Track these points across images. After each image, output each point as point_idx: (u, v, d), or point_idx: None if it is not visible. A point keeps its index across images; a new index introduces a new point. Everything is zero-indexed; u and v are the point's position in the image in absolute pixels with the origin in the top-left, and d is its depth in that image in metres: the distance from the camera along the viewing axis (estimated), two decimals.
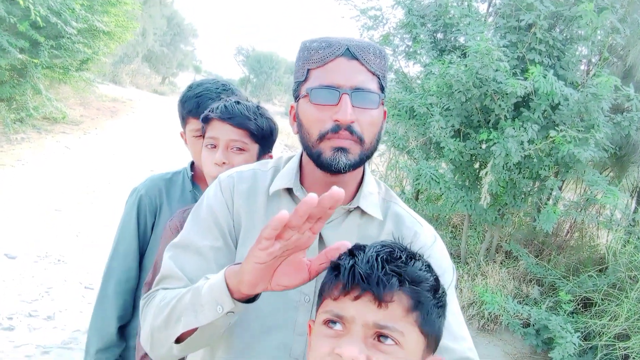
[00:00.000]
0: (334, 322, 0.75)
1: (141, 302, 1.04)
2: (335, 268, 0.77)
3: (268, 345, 1.02)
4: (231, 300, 0.83)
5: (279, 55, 31.91)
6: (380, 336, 0.73)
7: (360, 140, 0.98)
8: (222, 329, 0.92)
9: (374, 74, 1.00)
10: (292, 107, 1.08)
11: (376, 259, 0.74)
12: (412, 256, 0.79)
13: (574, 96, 3.83)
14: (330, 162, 0.98)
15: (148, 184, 1.63)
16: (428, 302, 0.77)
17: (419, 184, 4.48)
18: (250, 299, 0.87)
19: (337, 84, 0.97)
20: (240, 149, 1.38)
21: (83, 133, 10.07)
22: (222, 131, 1.37)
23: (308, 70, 1.01)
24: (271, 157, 1.45)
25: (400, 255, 0.76)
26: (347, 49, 0.98)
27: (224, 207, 1.08)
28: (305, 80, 1.01)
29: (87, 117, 11.75)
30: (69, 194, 6.07)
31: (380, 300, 0.72)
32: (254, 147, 1.40)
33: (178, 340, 0.94)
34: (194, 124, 1.53)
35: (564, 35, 4.44)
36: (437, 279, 0.79)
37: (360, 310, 0.73)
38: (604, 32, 4.24)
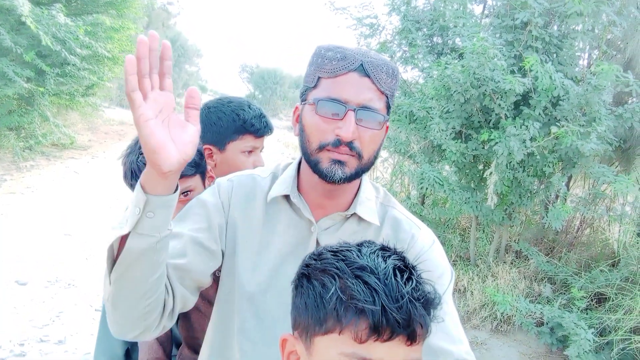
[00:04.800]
0: None
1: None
2: (357, 308, 0.69)
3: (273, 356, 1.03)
4: (143, 194, 0.83)
5: (282, 71, 32.16)
6: None
7: (358, 156, 0.99)
8: (151, 247, 0.85)
9: (383, 92, 1.00)
10: (296, 107, 1.08)
11: (410, 300, 0.69)
12: (419, 275, 0.74)
13: (575, 89, 3.81)
14: (327, 173, 0.99)
15: None
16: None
17: (422, 188, 4.47)
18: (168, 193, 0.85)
19: (344, 99, 0.97)
20: (187, 192, 1.36)
21: (91, 157, 10.20)
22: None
23: (319, 77, 1.01)
24: (211, 171, 1.51)
25: (418, 283, 0.72)
26: (362, 64, 0.98)
27: (218, 207, 1.09)
28: (315, 87, 1.02)
29: (95, 141, 11.91)
30: (79, 218, 6.13)
31: (413, 341, 0.70)
32: (197, 179, 1.40)
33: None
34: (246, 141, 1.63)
35: (561, 31, 4.44)
36: None
37: (391, 352, 0.69)
38: (601, 26, 4.22)
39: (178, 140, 0.83)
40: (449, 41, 5.03)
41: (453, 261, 5.14)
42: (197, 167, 1.35)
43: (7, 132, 8.58)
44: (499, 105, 4.01)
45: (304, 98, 1.05)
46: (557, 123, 3.86)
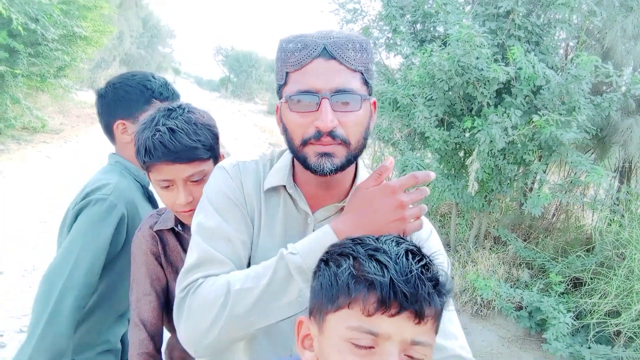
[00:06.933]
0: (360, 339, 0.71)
1: (178, 296, 0.98)
2: (367, 281, 0.71)
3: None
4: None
5: (258, 54, 31.75)
6: (413, 353, 0.72)
7: (345, 143, 0.97)
8: None
9: (355, 70, 0.97)
10: (277, 107, 1.06)
11: (418, 275, 0.70)
12: (431, 261, 0.76)
13: (555, 79, 3.87)
14: (315, 167, 0.97)
15: (119, 195, 1.49)
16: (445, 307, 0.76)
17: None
18: None
19: (315, 89, 0.94)
20: (200, 179, 1.27)
21: (64, 142, 9.92)
22: (174, 172, 1.25)
23: (287, 73, 0.98)
24: (224, 157, 1.37)
25: (429, 265, 0.74)
26: (324, 48, 0.95)
27: (236, 192, 1.07)
28: (285, 83, 0.99)
29: (67, 125, 11.58)
30: (53, 205, 5.98)
31: (420, 319, 0.70)
32: (210, 164, 1.30)
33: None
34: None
35: (542, 20, 4.48)
36: None
37: (398, 327, 0.70)
38: (581, 16, 4.28)
39: None
40: (431, 28, 5.03)
41: None
42: (212, 150, 1.30)
43: None
44: (482, 93, 4.05)
45: (279, 96, 1.03)
46: (537, 112, 3.92)
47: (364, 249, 0.74)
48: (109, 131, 1.65)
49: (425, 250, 1.06)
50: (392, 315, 0.69)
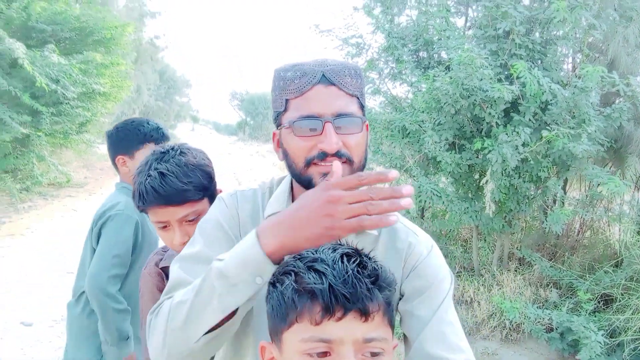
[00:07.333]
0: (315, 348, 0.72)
1: (148, 319, 1.00)
2: (308, 292, 0.73)
3: None
4: (272, 266, 0.82)
5: None
6: (369, 350, 0.73)
7: (349, 161, 0.99)
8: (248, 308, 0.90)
9: (352, 95, 1.00)
10: (274, 134, 1.08)
11: (354, 275, 0.72)
12: (369, 257, 0.79)
13: (562, 93, 3.87)
14: None
15: (130, 208, 1.95)
16: (394, 299, 0.78)
17: (421, 201, 4.49)
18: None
19: (318, 113, 0.97)
20: (194, 219, 1.30)
21: (89, 194, 10.19)
22: (167, 214, 1.28)
23: (286, 100, 1.01)
24: (221, 191, 1.38)
25: (366, 262, 0.76)
26: (323, 75, 0.99)
27: (231, 221, 1.09)
28: (286, 110, 1.01)
29: (91, 178, 11.92)
30: (80, 256, 6.10)
31: (367, 316, 0.72)
32: (204, 203, 1.32)
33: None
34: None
35: (543, 37, 4.52)
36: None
37: (347, 329, 0.71)
38: (581, 30, 4.31)
39: None
40: (434, 55, 5.11)
41: (457, 273, 5.12)
42: (205, 190, 1.32)
43: (3, 174, 8.58)
44: (489, 113, 4.06)
45: (278, 123, 1.05)
46: (547, 127, 3.91)
47: (303, 262, 0.76)
48: (114, 164, 2.09)
49: (423, 267, 1.08)
50: (339, 319, 0.71)
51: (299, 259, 0.78)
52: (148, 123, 2.04)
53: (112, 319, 1.91)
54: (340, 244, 0.81)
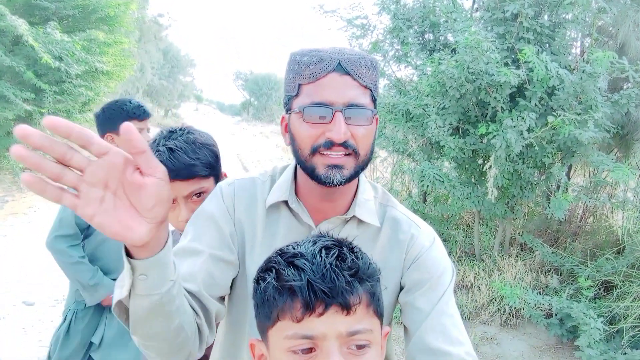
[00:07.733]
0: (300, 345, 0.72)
1: None
2: (288, 289, 0.72)
3: None
4: (127, 259, 0.74)
5: (277, 75, 32.17)
6: (354, 343, 0.72)
7: (355, 153, 0.98)
8: (157, 304, 0.79)
9: (366, 87, 0.99)
10: (283, 117, 1.07)
11: (332, 269, 0.71)
12: (352, 248, 0.77)
13: (570, 78, 3.81)
14: (325, 179, 0.98)
15: None
16: (379, 289, 0.77)
17: (423, 185, 4.46)
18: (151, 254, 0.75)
19: (329, 101, 0.96)
20: (200, 194, 1.33)
21: None
22: (175, 189, 1.28)
23: (299, 85, 1.00)
24: (226, 175, 1.42)
25: (346, 254, 0.75)
26: (339, 63, 0.97)
27: (225, 213, 1.09)
28: (297, 95, 1.00)
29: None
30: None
31: (348, 309, 0.71)
32: (210, 181, 1.35)
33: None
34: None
35: (552, 20, 4.44)
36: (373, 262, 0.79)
37: (329, 324, 0.70)
38: (591, 14, 4.23)
39: (141, 208, 0.68)
40: (440, 37, 5.04)
41: (458, 257, 5.13)
42: (212, 169, 1.34)
43: (6, 153, 8.59)
44: (495, 98, 4.01)
45: (288, 107, 1.03)
46: (553, 113, 3.86)
47: (283, 258, 0.75)
48: None
49: (424, 259, 1.06)
50: (321, 315, 0.70)
51: (280, 254, 0.77)
52: (130, 102, 2.26)
53: (68, 271, 2.30)
54: (321, 236, 0.79)
